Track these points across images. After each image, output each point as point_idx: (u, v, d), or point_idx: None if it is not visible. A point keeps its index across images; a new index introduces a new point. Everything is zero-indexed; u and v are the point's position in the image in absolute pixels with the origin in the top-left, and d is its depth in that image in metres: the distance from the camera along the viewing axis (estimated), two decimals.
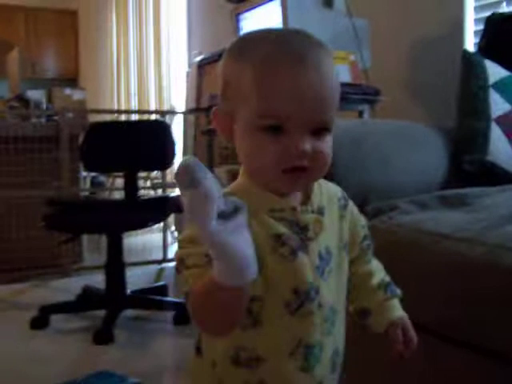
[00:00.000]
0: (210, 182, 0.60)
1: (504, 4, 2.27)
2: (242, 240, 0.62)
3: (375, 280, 0.90)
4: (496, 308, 1.00)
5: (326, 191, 0.83)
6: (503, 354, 0.99)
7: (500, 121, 1.60)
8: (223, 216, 0.61)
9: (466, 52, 1.76)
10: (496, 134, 1.58)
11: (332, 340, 0.80)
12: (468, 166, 1.57)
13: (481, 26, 2.03)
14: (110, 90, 5.93)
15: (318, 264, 0.78)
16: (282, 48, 0.74)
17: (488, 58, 1.73)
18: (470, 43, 2.33)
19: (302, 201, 0.80)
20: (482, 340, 1.03)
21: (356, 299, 0.90)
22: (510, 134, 1.58)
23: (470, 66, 1.69)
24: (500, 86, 1.64)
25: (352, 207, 0.87)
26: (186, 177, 0.60)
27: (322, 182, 0.83)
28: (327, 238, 0.80)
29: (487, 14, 2.01)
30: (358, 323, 0.90)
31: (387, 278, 0.91)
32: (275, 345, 0.77)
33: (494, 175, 1.55)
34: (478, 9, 2.36)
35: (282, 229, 0.76)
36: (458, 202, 1.33)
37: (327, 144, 0.75)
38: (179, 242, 0.76)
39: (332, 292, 0.80)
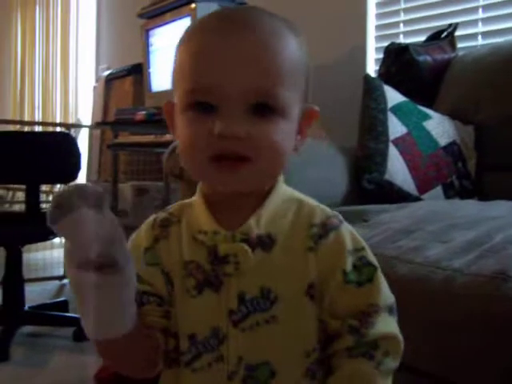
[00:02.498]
0: (85, 214, 0.51)
1: (401, 36, 2.41)
2: (101, 301, 0.54)
3: (330, 382, 0.64)
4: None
5: (296, 213, 0.65)
6: None
7: (397, 142, 1.69)
8: (93, 267, 0.52)
9: (367, 77, 1.86)
10: (393, 154, 1.68)
11: None
12: (367, 185, 1.65)
13: (381, 55, 2.15)
14: (13, 101, 5.72)
15: (235, 308, 0.62)
16: (215, 14, 0.65)
17: (387, 84, 1.83)
18: (371, 69, 2.46)
19: (242, 224, 0.63)
20: None
21: None
22: (405, 154, 1.68)
23: (370, 90, 1.78)
24: (397, 109, 1.75)
25: (337, 241, 0.64)
26: (62, 202, 0.52)
27: (302, 201, 0.67)
28: (267, 277, 0.63)
29: (387, 43, 2.13)
30: None
31: None
32: None
33: (391, 193, 1.64)
34: (378, 38, 2.50)
35: (195, 256, 0.64)
36: (357, 217, 1.39)
37: (275, 128, 0.60)
38: None
39: (260, 348, 0.63)
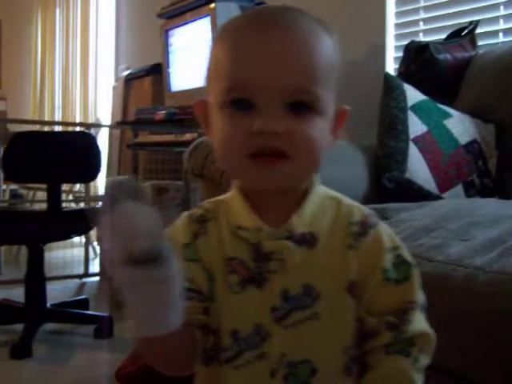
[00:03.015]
0: (129, 208, 0.52)
1: (421, 34, 2.40)
2: (149, 298, 0.53)
3: (368, 379, 0.65)
4: None
5: (336, 211, 0.66)
6: None
7: (417, 141, 1.69)
8: (138, 262, 0.52)
9: (387, 76, 1.86)
10: (413, 153, 1.67)
11: None
12: (387, 183, 1.65)
13: (401, 53, 2.14)
14: (33, 102, 5.79)
15: (279, 305, 0.62)
16: (255, 13, 0.66)
17: (407, 82, 1.82)
18: (391, 68, 2.45)
19: (284, 221, 0.63)
20: None
21: None
22: (425, 153, 1.68)
23: (390, 88, 1.78)
24: (417, 108, 1.74)
25: (376, 239, 0.65)
26: (106, 198, 0.52)
27: (340, 200, 0.67)
28: (309, 274, 0.63)
29: (406, 41, 2.12)
30: None
31: None
32: None
33: (411, 192, 1.63)
34: (398, 37, 2.49)
35: (238, 252, 0.63)
36: (378, 215, 1.39)
37: (311, 126, 0.61)
38: None
39: (302, 345, 0.63)
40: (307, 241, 0.63)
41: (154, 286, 0.53)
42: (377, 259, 0.64)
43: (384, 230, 0.67)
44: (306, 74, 0.61)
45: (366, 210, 0.68)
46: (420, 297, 0.66)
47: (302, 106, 0.60)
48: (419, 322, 0.65)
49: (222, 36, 0.65)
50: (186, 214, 0.68)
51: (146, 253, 0.52)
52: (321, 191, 0.67)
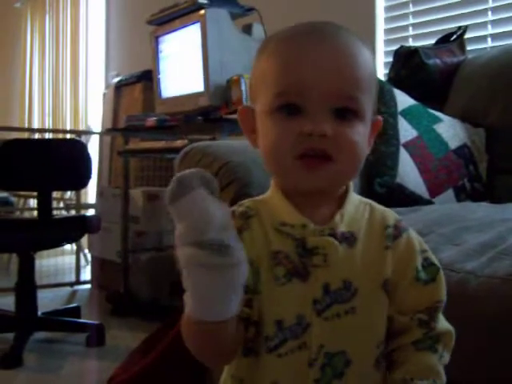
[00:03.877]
0: (204, 196, 0.56)
1: (411, 39, 2.42)
2: (216, 282, 0.56)
3: (399, 374, 0.69)
4: None
5: (370, 215, 0.70)
6: None
7: (408, 146, 1.69)
8: (208, 247, 0.55)
9: (377, 81, 1.86)
10: (404, 158, 1.67)
11: None
12: (378, 188, 1.65)
13: (390, 58, 2.15)
14: (21, 109, 5.76)
15: (320, 298, 0.65)
16: (301, 26, 0.69)
17: (397, 88, 1.83)
18: (381, 73, 2.46)
19: (326, 220, 0.67)
20: None
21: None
22: (416, 158, 1.68)
23: (380, 94, 1.78)
24: (407, 113, 1.75)
25: (408, 242, 0.70)
26: (183, 181, 0.56)
27: (372, 204, 0.72)
28: (349, 271, 0.67)
29: (396, 47, 2.13)
30: None
31: None
32: (259, 379, 0.68)
33: (402, 197, 1.63)
34: (387, 42, 2.51)
35: (283, 246, 0.66)
36: None
37: (355, 131, 0.65)
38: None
39: (339, 337, 0.66)
40: (348, 239, 0.67)
41: (221, 271, 0.56)
42: (410, 260, 0.70)
43: (413, 233, 0.72)
44: (353, 81, 0.66)
45: (397, 215, 0.73)
46: (445, 297, 0.72)
47: (348, 112, 0.65)
48: (443, 321, 0.71)
49: (269, 48, 0.69)
50: None
51: (217, 240, 0.55)
52: (355, 196, 0.72)
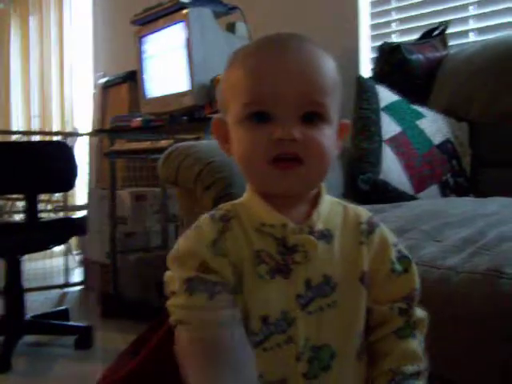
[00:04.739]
0: None
1: (395, 35, 2.42)
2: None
3: (386, 365, 0.73)
4: None
5: (344, 213, 0.75)
6: None
7: (391, 142, 1.70)
8: None
9: (359, 78, 1.87)
10: (387, 154, 1.68)
11: None
12: (362, 185, 1.66)
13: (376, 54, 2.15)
14: (5, 111, 5.70)
15: (303, 293, 0.69)
16: (266, 39, 0.73)
17: (382, 83, 1.83)
18: (367, 69, 2.46)
19: (303, 219, 0.71)
20: None
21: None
22: (400, 154, 1.69)
23: (363, 90, 1.79)
24: (390, 109, 1.75)
25: (382, 236, 0.75)
26: None
27: (344, 203, 0.77)
28: (328, 266, 0.71)
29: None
30: None
31: (409, 370, 0.72)
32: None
33: (386, 193, 1.64)
34: (374, 37, 2.51)
35: (264, 245, 0.70)
36: None
37: (322, 133, 0.69)
38: (167, 260, 0.72)
39: (323, 331, 0.70)
40: (325, 236, 0.71)
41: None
42: (385, 253, 0.74)
43: (385, 228, 0.77)
44: (318, 87, 0.69)
45: (368, 212, 0.78)
46: (419, 285, 0.76)
47: (315, 116, 0.69)
48: (417, 308, 0.76)
49: (236, 61, 0.73)
50: (205, 215, 0.74)
51: None
52: (328, 197, 0.76)
